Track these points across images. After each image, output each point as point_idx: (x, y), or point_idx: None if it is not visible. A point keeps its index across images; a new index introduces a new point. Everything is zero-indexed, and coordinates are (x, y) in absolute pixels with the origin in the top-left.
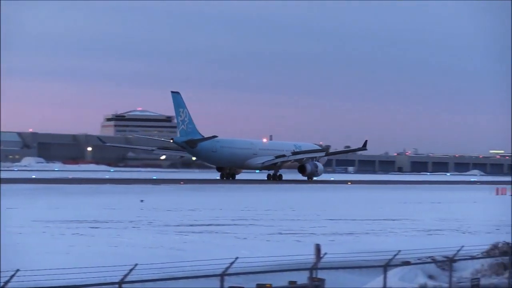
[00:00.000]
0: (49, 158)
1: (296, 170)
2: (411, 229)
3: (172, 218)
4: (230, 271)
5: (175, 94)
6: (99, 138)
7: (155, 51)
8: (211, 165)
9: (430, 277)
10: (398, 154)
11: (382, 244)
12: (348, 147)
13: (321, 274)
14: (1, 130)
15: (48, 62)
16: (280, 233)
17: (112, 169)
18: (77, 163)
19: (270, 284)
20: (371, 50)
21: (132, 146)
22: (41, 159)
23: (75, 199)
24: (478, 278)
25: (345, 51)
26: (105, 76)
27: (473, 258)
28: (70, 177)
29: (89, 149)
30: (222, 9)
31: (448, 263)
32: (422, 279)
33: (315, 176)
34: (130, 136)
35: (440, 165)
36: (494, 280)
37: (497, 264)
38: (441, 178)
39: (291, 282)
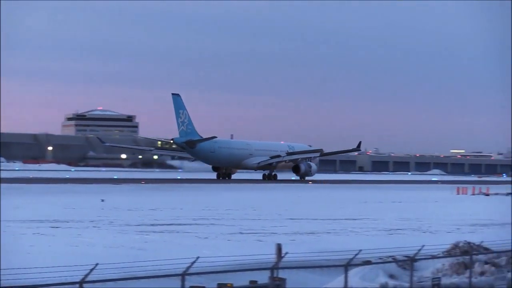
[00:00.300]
0: (9, 158)
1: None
2: (372, 228)
3: (133, 218)
4: (191, 270)
5: (175, 96)
6: (98, 138)
7: (120, 50)
8: (208, 165)
9: (391, 276)
10: (359, 153)
11: (343, 244)
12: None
13: (282, 274)
14: None
15: (8, 61)
16: (241, 233)
17: (73, 168)
18: (37, 162)
19: (231, 284)
20: (339, 48)
21: (129, 146)
22: (2, 159)
23: (36, 198)
24: (439, 278)
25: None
26: (66, 75)
27: (434, 257)
28: (31, 176)
29: (50, 148)
30: (194, 8)
31: (409, 262)
32: (383, 279)
33: (309, 176)
34: (91, 136)
35: (401, 165)
36: (455, 279)
37: (458, 264)
38: (402, 178)
39: (252, 282)
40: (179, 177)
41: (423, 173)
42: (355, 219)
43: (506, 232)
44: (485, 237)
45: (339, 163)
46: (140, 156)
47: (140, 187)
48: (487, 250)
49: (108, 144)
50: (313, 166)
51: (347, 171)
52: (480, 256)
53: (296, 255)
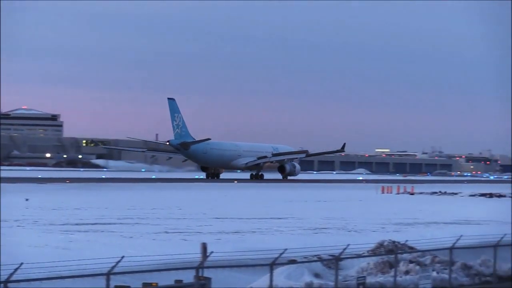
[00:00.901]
0: None
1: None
2: (298, 227)
3: (58, 217)
4: (116, 270)
5: (171, 101)
6: (93, 140)
7: (43, 48)
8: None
9: (316, 275)
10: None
11: (268, 243)
12: None
13: (207, 273)
14: None
15: None
16: (167, 232)
17: None
18: None
19: (156, 283)
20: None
21: (123, 148)
22: None
23: None
24: (364, 277)
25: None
26: None
27: (359, 256)
28: None
29: None
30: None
31: (334, 261)
32: (308, 278)
33: (293, 175)
34: (15, 135)
35: (326, 164)
36: (380, 278)
37: (383, 263)
38: (327, 177)
39: (177, 281)
40: (103, 176)
41: (348, 172)
42: (280, 218)
43: (430, 231)
44: (409, 236)
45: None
46: (65, 156)
47: (65, 186)
48: (411, 249)
49: (107, 146)
50: (297, 166)
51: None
52: (405, 255)
53: (221, 254)
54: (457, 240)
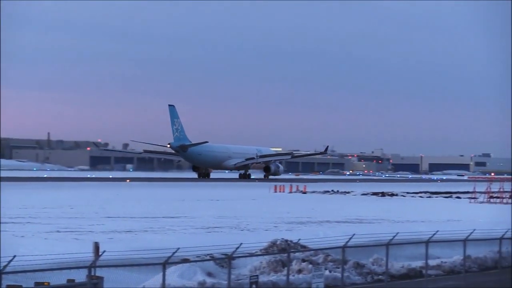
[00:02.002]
0: None
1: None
2: (190, 226)
3: None
4: (7, 269)
5: (171, 107)
6: (94, 143)
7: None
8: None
9: (209, 274)
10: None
11: (161, 242)
12: None
13: (100, 272)
14: None
15: None
16: (58, 231)
17: None
18: None
19: (48, 282)
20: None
21: (122, 150)
22: None
23: None
24: (257, 275)
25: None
26: None
27: (251, 255)
28: None
29: None
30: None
31: (227, 260)
32: (201, 277)
33: (277, 175)
34: None
35: (171, 163)
36: (273, 277)
37: (276, 261)
38: (221, 176)
39: (69, 280)
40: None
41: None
42: (173, 217)
43: (323, 230)
44: (302, 235)
45: (157, 161)
46: (164, 159)
47: None
48: (304, 248)
49: (104, 148)
50: (281, 167)
51: (165, 169)
52: (298, 254)
53: (113, 253)
54: (350, 239)
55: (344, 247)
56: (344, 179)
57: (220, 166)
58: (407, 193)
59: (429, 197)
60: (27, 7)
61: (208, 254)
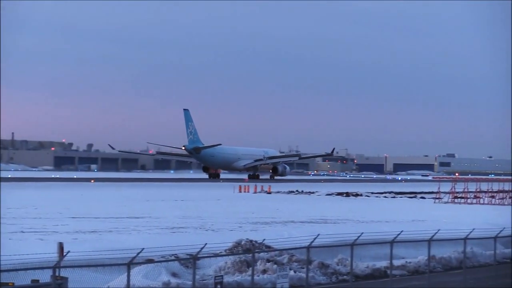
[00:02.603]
0: None
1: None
2: (155, 227)
3: None
4: None
5: (186, 111)
6: (109, 145)
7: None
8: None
9: (174, 275)
10: (141, 151)
11: (125, 242)
12: None
13: (64, 273)
14: None
15: None
16: (23, 232)
17: None
18: None
19: (13, 283)
20: None
21: (135, 152)
22: None
23: None
24: (222, 276)
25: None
26: None
27: (216, 255)
28: None
29: None
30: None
31: (191, 260)
32: (165, 277)
33: (284, 175)
34: None
35: (184, 163)
36: (238, 277)
37: (240, 262)
38: (186, 176)
39: (33, 281)
40: None
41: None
42: (138, 218)
43: (287, 230)
44: (267, 235)
45: (121, 161)
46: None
47: None
48: (269, 248)
49: (119, 150)
50: (287, 168)
51: (129, 169)
52: (262, 254)
53: (78, 254)
54: (314, 239)
55: (308, 247)
56: (309, 179)
57: (230, 167)
58: (372, 193)
59: (394, 197)
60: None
61: (173, 255)
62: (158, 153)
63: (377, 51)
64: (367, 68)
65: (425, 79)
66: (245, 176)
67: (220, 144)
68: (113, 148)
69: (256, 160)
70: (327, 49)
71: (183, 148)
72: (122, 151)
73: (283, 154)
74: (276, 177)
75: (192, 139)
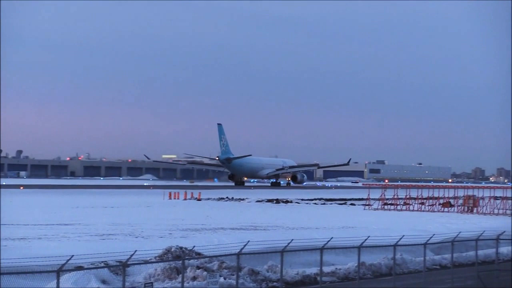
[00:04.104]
0: None
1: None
2: (84, 234)
3: None
4: None
5: (219, 125)
6: (145, 155)
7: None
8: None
9: (104, 282)
10: (70, 158)
11: (55, 249)
12: None
13: None
14: None
15: None
16: None
17: None
18: None
19: None
20: None
21: (164, 161)
22: None
23: None
24: (151, 283)
25: None
26: None
27: (146, 262)
28: None
29: None
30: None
31: (121, 267)
32: (95, 284)
33: (302, 183)
34: None
35: (113, 170)
36: (167, 284)
37: (170, 269)
38: (114, 183)
39: None
40: None
41: (135, 178)
42: (67, 225)
43: (217, 236)
44: (197, 242)
45: (51, 168)
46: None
47: None
48: (199, 255)
49: (154, 159)
50: (305, 176)
51: (58, 176)
52: (192, 261)
53: (7, 261)
54: (244, 245)
55: (238, 254)
56: (239, 186)
57: (255, 176)
58: (302, 199)
59: (324, 204)
60: None
61: (102, 262)
62: (189, 162)
63: (303, 58)
64: (293, 75)
65: (352, 85)
66: (267, 183)
67: (250, 155)
68: (148, 158)
69: (277, 169)
70: (235, 56)
71: (217, 158)
72: (156, 161)
73: (303, 164)
74: (295, 184)
75: (224, 150)
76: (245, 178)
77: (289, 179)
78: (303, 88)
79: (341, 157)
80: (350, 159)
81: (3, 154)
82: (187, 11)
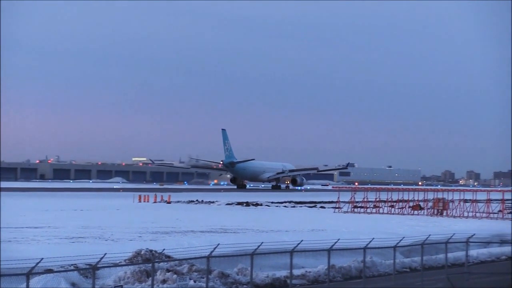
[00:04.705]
0: None
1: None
2: (54, 236)
3: None
4: None
5: (223, 131)
6: (150, 160)
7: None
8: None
9: (73, 284)
10: (40, 161)
11: (24, 252)
12: None
13: None
14: None
15: None
16: None
17: None
18: None
19: None
20: None
21: (168, 165)
22: None
23: None
24: (121, 285)
25: None
26: None
27: (116, 265)
28: None
29: None
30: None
31: (91, 270)
32: (65, 287)
33: (302, 186)
34: None
35: (83, 172)
36: (137, 287)
37: (140, 271)
38: (84, 185)
39: None
40: None
41: (105, 181)
42: (37, 228)
43: (187, 239)
44: (167, 245)
45: (20, 171)
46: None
47: None
48: (169, 258)
49: (157, 162)
50: (304, 179)
51: (28, 179)
52: (162, 264)
53: None
54: (214, 248)
55: (208, 257)
56: (209, 188)
57: (257, 179)
58: (272, 202)
59: (294, 206)
60: None
61: (72, 265)
62: (193, 166)
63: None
64: (257, 77)
65: (325, 87)
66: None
67: (253, 159)
68: (153, 162)
69: (278, 173)
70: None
71: (221, 162)
72: (160, 165)
73: (303, 168)
74: (294, 187)
75: (228, 155)
76: (247, 182)
77: (288, 182)
78: (274, 91)
79: (312, 160)
80: (349, 162)
81: None
82: (185, 16)
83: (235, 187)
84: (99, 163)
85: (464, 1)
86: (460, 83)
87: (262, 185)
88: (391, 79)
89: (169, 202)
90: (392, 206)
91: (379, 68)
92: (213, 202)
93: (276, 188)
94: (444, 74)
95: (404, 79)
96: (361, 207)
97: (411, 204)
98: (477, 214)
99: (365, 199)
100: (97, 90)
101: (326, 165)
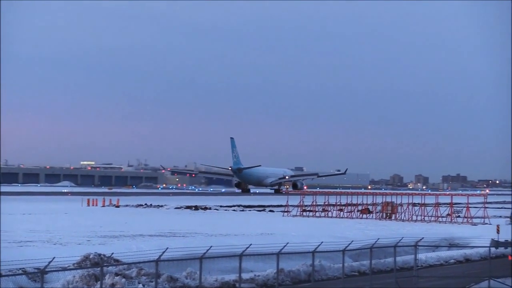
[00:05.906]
0: None
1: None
2: (2, 240)
3: None
4: None
5: (232, 139)
6: (162, 166)
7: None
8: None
9: None
10: (187, 170)
11: None
12: None
13: None
14: None
15: None
16: None
17: None
18: None
19: None
20: None
21: (176, 170)
22: None
23: None
24: None
25: None
26: None
27: (64, 269)
28: None
29: None
30: None
31: (39, 274)
32: None
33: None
34: None
35: (31, 176)
36: None
37: (89, 275)
38: (32, 189)
39: None
40: None
41: (53, 185)
42: None
43: (136, 243)
44: (115, 249)
45: None
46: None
47: None
48: (117, 262)
49: (169, 169)
50: (303, 184)
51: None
52: (111, 268)
53: None
54: (163, 252)
55: (157, 261)
56: (158, 192)
57: (261, 184)
58: (221, 206)
59: (243, 210)
60: None
61: (20, 269)
62: (201, 172)
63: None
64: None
65: (270, 92)
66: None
67: (260, 165)
68: (164, 168)
69: (280, 178)
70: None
71: (230, 168)
72: (171, 170)
73: (303, 173)
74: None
75: (236, 161)
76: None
77: (288, 187)
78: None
79: (262, 163)
80: (347, 169)
81: None
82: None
83: (240, 191)
84: (47, 167)
85: (464, 1)
86: (411, 87)
87: (258, 190)
88: (341, 84)
89: (117, 206)
90: (341, 210)
91: (328, 73)
92: (162, 206)
93: (277, 192)
94: (381, 75)
95: (354, 84)
96: (310, 211)
97: (360, 208)
98: (426, 218)
99: (314, 203)
100: (50, 95)
101: (300, 168)
